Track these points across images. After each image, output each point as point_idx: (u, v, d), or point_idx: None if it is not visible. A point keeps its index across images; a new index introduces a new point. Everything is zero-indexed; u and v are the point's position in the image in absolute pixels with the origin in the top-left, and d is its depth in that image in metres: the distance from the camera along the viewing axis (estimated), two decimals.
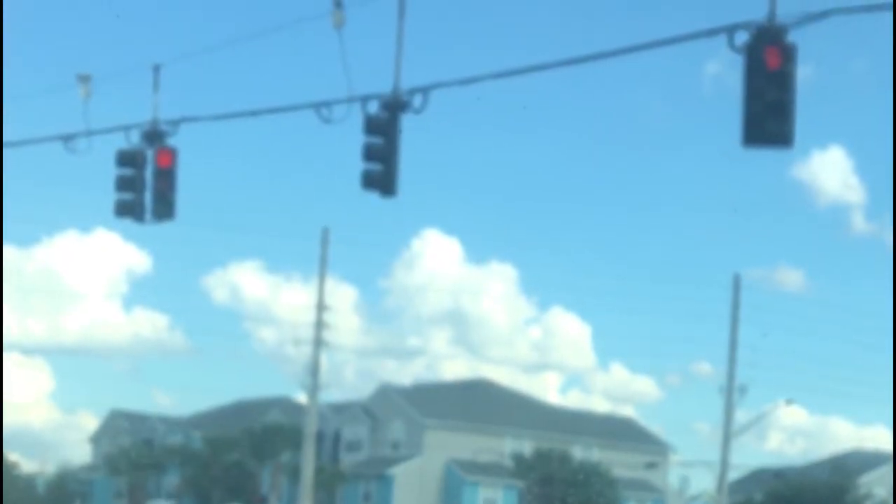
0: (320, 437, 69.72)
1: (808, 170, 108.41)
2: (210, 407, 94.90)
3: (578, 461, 74.92)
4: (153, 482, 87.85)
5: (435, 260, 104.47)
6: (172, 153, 23.45)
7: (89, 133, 24.23)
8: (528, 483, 72.37)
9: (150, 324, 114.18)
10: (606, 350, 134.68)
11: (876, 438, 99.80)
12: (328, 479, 73.24)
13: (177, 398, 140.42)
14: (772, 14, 16.81)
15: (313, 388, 60.63)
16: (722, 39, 16.99)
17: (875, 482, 78.17)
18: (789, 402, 66.78)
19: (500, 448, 78.83)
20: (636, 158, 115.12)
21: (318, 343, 60.88)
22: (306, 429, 60.98)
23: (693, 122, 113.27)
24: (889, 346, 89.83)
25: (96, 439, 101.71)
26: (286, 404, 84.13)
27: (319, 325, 60.85)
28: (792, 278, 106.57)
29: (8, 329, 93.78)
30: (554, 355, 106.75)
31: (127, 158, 23.49)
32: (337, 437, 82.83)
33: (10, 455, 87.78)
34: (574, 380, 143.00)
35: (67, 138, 24.50)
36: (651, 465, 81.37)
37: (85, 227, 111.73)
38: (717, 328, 63.93)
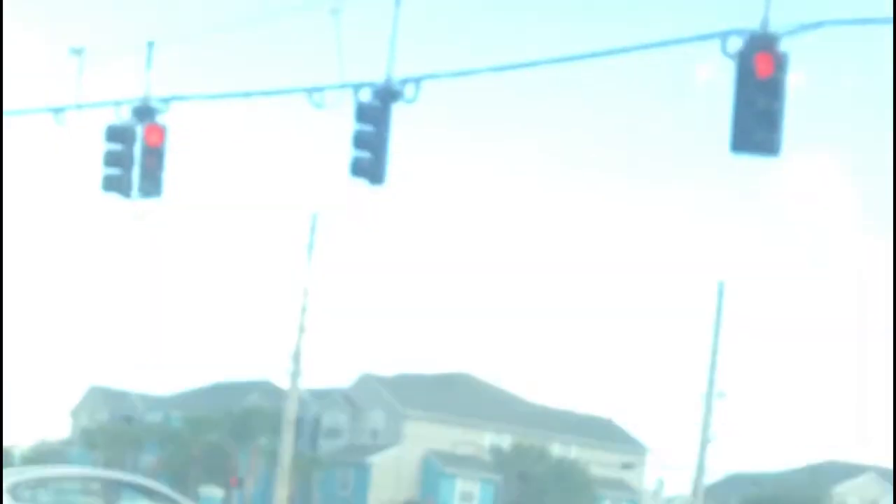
0: (300, 422, 69.61)
1: (794, 178, 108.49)
2: (190, 387, 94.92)
3: (556, 458, 75.09)
4: (130, 459, 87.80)
5: None
6: (162, 130, 23.40)
7: (80, 106, 24.19)
8: (506, 477, 72.51)
9: None
10: None
11: (851, 449, 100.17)
12: (306, 465, 73.29)
13: (157, 377, 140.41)
14: (765, 22, 16.86)
15: (295, 373, 60.62)
16: (713, 45, 17.03)
17: (849, 492, 78.45)
18: (766, 408, 67.02)
19: (479, 441, 78.91)
20: (624, 160, 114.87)
21: (302, 328, 60.88)
22: (286, 413, 60.93)
23: (682, 124, 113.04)
24: (868, 358, 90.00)
25: (75, 414, 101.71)
26: (267, 388, 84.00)
27: (304, 309, 60.83)
28: (775, 285, 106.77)
29: None
30: None
31: (116, 134, 23.42)
32: (317, 424, 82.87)
33: None
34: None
35: (57, 111, 24.45)
36: (628, 466, 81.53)
37: None
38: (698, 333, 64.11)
